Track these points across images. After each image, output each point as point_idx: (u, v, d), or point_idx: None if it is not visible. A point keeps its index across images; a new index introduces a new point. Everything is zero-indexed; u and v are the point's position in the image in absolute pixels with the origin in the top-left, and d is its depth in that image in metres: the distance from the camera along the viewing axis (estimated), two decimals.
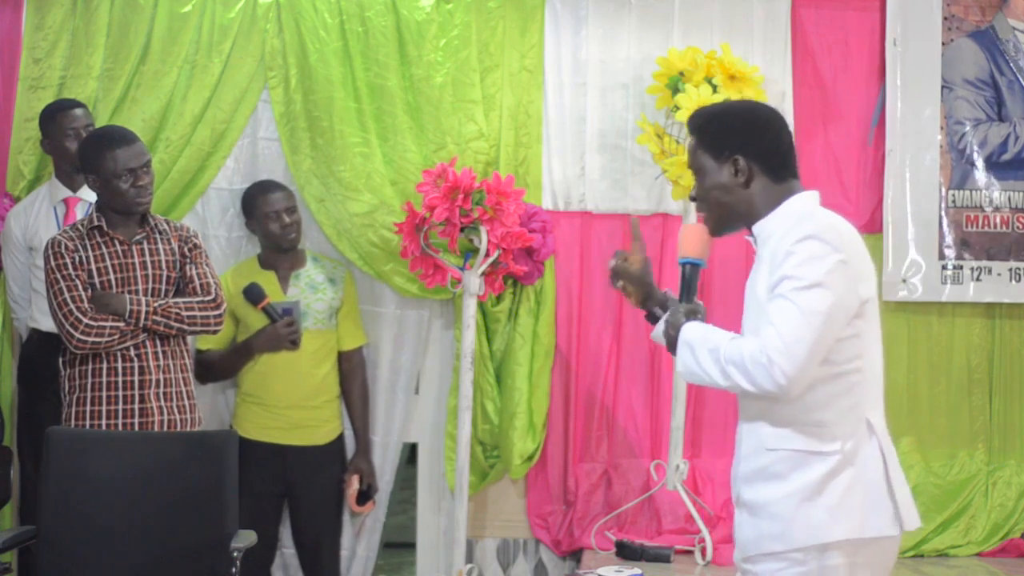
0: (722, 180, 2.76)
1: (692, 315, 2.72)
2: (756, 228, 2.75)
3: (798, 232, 2.60)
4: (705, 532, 4.42)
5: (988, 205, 4.69)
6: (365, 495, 4.64)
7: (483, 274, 4.47)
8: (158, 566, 3.66)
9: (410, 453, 5.09)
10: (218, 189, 4.74)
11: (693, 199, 2.83)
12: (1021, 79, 4.68)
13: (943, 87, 4.69)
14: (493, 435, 4.70)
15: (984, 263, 4.68)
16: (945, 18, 4.67)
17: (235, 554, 3.57)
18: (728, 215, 2.78)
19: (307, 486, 4.50)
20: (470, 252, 4.46)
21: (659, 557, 4.44)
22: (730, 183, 2.75)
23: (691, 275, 2.78)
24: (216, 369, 4.50)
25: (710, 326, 2.67)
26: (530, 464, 4.67)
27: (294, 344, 4.39)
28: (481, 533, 4.77)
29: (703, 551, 4.42)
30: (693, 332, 2.66)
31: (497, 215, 4.38)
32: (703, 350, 2.62)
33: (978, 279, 4.67)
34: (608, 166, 4.72)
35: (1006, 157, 4.69)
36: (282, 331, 4.37)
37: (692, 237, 2.82)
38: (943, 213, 4.68)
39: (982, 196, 4.69)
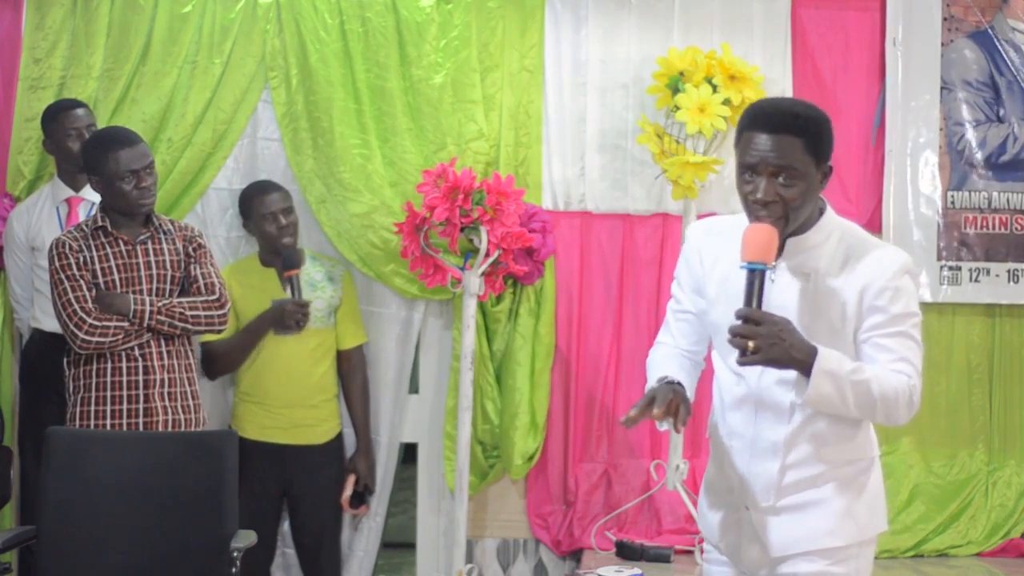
0: (815, 186, 2.67)
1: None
2: (793, 242, 2.69)
3: (893, 265, 2.66)
4: None
5: (987, 206, 4.69)
6: (360, 497, 4.64)
7: (483, 274, 4.47)
8: (158, 566, 3.66)
9: (408, 453, 5.09)
10: (218, 189, 4.75)
11: (770, 202, 2.62)
12: (1020, 80, 4.68)
13: (942, 88, 4.69)
14: (493, 435, 4.70)
15: (982, 264, 4.68)
16: (945, 19, 4.68)
17: (235, 554, 3.58)
18: (797, 222, 2.67)
19: (306, 486, 4.50)
20: (470, 252, 4.46)
21: (659, 557, 4.45)
22: (816, 191, 2.68)
23: (760, 280, 2.60)
24: (224, 358, 4.46)
25: (839, 354, 2.61)
26: (530, 464, 4.68)
27: (298, 325, 4.36)
28: (481, 533, 4.77)
29: (703, 551, 4.41)
30: (832, 362, 2.58)
31: (497, 215, 4.38)
32: (847, 383, 2.58)
33: (976, 280, 4.67)
34: (608, 166, 4.72)
35: (1005, 158, 4.69)
36: (289, 307, 4.34)
37: (762, 239, 2.61)
38: (942, 214, 4.69)
39: (981, 197, 4.69)
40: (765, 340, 2.55)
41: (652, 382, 2.80)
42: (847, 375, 2.58)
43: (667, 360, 2.88)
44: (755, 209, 2.65)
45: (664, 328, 2.99)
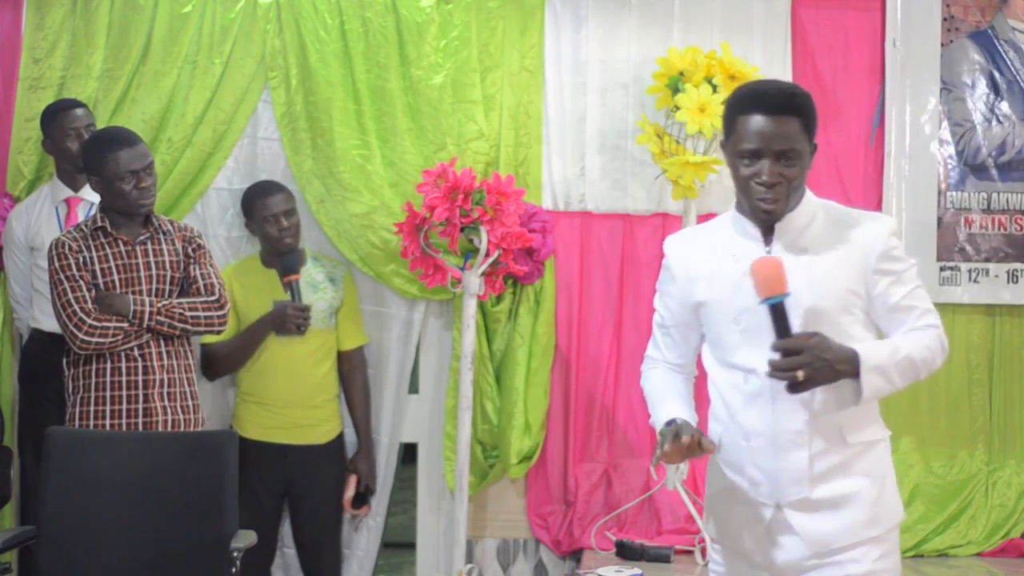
0: (808, 164, 2.73)
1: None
2: (781, 224, 2.72)
3: (883, 229, 2.74)
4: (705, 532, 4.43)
5: (986, 206, 4.69)
6: (362, 497, 4.64)
7: (483, 274, 4.47)
8: (158, 566, 3.66)
9: (408, 453, 5.09)
10: (217, 189, 4.75)
11: (776, 183, 2.66)
12: (1020, 80, 4.68)
13: (942, 88, 4.69)
14: (493, 435, 4.70)
15: (981, 265, 4.68)
16: (945, 19, 4.68)
17: (235, 554, 3.58)
18: (794, 200, 2.72)
19: (307, 486, 4.50)
20: (470, 252, 4.46)
21: (659, 557, 4.44)
22: (808, 168, 2.73)
23: (784, 311, 2.61)
24: (225, 360, 4.46)
25: (873, 344, 2.70)
26: (528, 464, 4.67)
27: (299, 329, 4.35)
28: (481, 533, 4.77)
29: (703, 551, 4.42)
30: (873, 357, 2.64)
31: (497, 215, 4.38)
32: (892, 368, 2.66)
33: (975, 281, 4.67)
34: (608, 166, 4.72)
35: (1004, 159, 4.69)
36: (290, 310, 4.34)
37: (771, 273, 2.62)
38: (941, 214, 4.69)
39: (980, 197, 4.69)
40: (811, 366, 2.58)
41: (659, 423, 2.81)
42: (889, 360, 2.65)
43: (666, 391, 2.91)
44: (758, 192, 2.67)
45: (652, 343, 3.01)
